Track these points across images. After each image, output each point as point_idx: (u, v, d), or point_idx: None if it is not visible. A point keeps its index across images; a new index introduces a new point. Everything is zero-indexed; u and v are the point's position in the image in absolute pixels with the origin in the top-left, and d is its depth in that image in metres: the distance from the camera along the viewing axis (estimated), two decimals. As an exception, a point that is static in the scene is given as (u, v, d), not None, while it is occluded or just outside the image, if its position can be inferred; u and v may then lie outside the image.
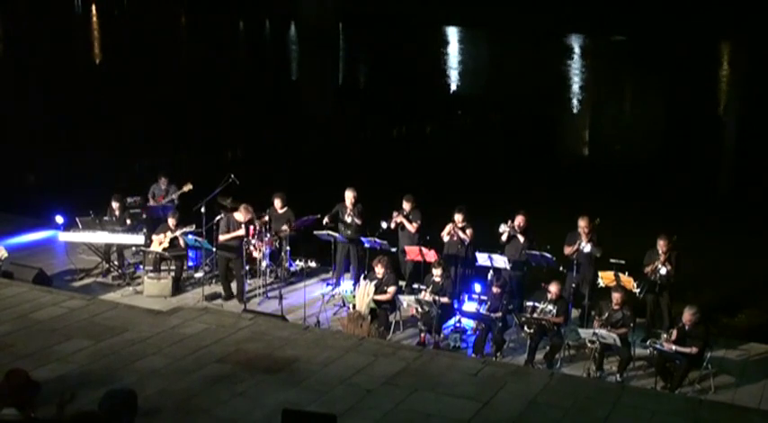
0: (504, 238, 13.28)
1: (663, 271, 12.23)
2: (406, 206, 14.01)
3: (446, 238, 13.62)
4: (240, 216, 13.71)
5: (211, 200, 14.72)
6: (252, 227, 14.35)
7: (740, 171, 26.04)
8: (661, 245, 12.35)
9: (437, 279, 12.58)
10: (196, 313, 12.44)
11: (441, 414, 9.36)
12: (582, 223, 12.86)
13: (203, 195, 14.76)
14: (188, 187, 15.63)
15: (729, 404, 10.42)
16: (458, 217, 13.49)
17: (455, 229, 13.43)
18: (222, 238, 13.78)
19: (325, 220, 14.25)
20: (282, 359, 10.70)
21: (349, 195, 14.28)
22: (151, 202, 15.80)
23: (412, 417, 9.34)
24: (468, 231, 13.47)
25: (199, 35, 62.85)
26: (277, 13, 66.23)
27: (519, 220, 13.22)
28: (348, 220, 14.22)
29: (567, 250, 12.98)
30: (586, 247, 12.69)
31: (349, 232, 14.23)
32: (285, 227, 14.29)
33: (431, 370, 10.51)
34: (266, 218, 14.47)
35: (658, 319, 12.47)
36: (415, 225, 13.87)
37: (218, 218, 14.05)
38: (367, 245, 14.04)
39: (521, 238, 13.13)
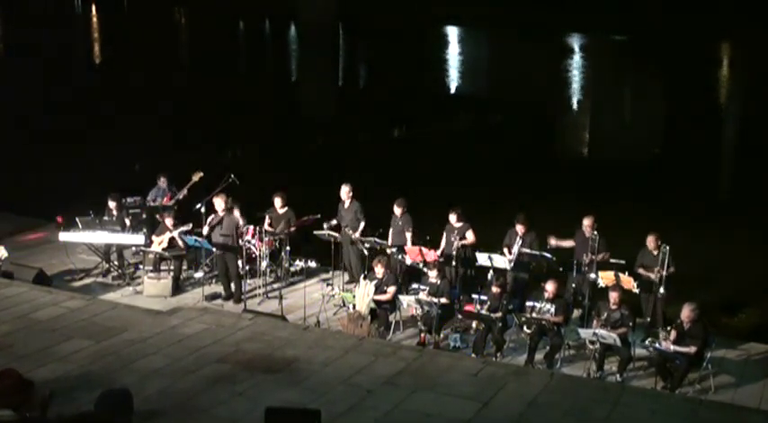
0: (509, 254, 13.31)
1: (672, 270, 12.26)
2: (398, 211, 13.97)
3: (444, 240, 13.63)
4: (219, 203, 13.73)
5: (211, 200, 14.70)
6: (252, 227, 14.38)
7: (740, 170, 26.03)
8: (650, 241, 12.37)
9: (433, 280, 12.58)
10: (196, 313, 12.45)
11: (441, 414, 9.37)
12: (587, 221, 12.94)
13: (203, 195, 14.75)
14: (198, 176, 15.58)
15: (729, 404, 10.42)
16: (452, 217, 13.49)
17: (456, 240, 13.39)
18: (205, 230, 13.83)
19: (332, 223, 14.25)
20: (282, 359, 10.70)
21: (344, 190, 14.27)
22: (154, 205, 15.75)
23: (412, 417, 9.34)
24: (470, 234, 13.45)
25: (199, 35, 62.87)
26: (277, 13, 66.23)
27: (519, 229, 13.23)
28: (347, 217, 14.19)
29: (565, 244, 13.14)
30: (591, 275, 12.71)
31: (350, 231, 14.21)
32: (283, 228, 14.31)
33: (431, 370, 10.51)
34: (267, 219, 14.49)
35: (655, 317, 12.47)
36: (410, 234, 13.85)
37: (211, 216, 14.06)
38: (367, 245, 14.04)
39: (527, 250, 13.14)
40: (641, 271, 12.46)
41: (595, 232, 12.83)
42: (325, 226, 14.25)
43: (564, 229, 13.38)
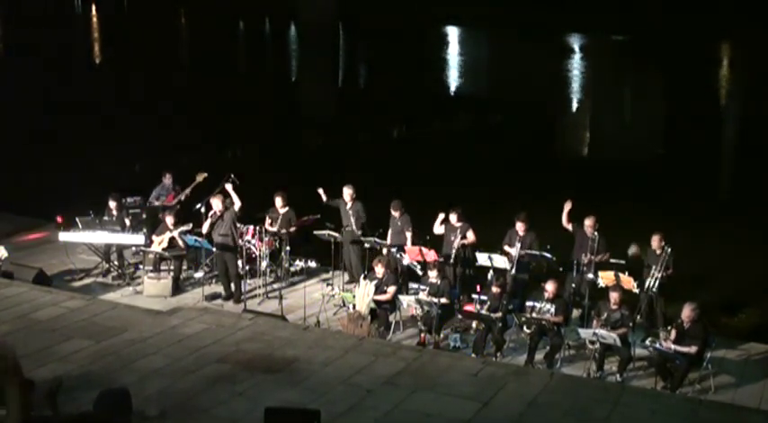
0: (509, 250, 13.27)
1: (669, 272, 12.26)
2: (395, 213, 13.97)
3: (439, 230, 13.60)
4: (216, 203, 13.75)
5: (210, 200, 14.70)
6: (252, 227, 14.38)
7: (740, 170, 26.03)
8: (654, 240, 12.38)
9: (433, 281, 12.57)
10: (196, 313, 12.46)
11: (441, 414, 9.37)
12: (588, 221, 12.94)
13: (203, 195, 14.75)
14: (202, 176, 15.61)
15: (729, 404, 10.42)
16: (452, 217, 13.47)
17: (458, 240, 13.37)
18: (205, 228, 13.84)
19: (323, 196, 14.27)
20: (282, 359, 10.71)
21: (347, 192, 14.28)
22: (156, 203, 15.75)
23: (412, 417, 9.35)
24: (470, 234, 13.44)
25: (199, 35, 62.89)
26: (277, 13, 66.25)
27: (520, 226, 13.20)
28: (352, 219, 14.20)
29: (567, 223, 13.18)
30: (590, 276, 12.69)
31: (349, 229, 14.21)
32: (284, 229, 14.34)
33: (431, 370, 10.52)
34: (268, 219, 14.49)
35: (651, 317, 12.47)
36: (409, 234, 13.86)
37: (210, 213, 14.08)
38: (366, 245, 14.04)
39: (526, 251, 13.10)
40: (634, 250, 12.41)
41: (596, 233, 12.83)
42: (320, 191, 14.25)
43: (564, 228, 13.36)
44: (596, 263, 12.75)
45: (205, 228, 13.88)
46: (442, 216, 13.58)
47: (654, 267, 12.28)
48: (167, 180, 15.86)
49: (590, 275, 12.65)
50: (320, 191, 14.38)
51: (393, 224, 14.06)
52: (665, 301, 12.43)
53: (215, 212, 13.77)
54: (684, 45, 49.48)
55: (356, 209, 14.28)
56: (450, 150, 26.46)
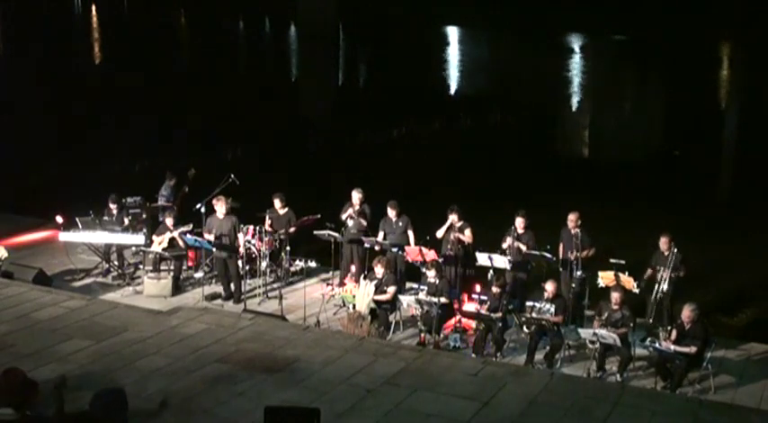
0: (505, 246, 13.24)
1: (682, 274, 12.26)
2: (392, 213, 13.95)
3: (441, 234, 13.60)
4: (220, 207, 13.76)
5: (211, 200, 14.70)
6: (252, 227, 14.38)
7: (740, 170, 26.04)
8: (663, 242, 12.36)
9: (431, 280, 12.56)
10: (196, 313, 12.46)
11: (441, 414, 9.37)
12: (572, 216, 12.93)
13: (203, 195, 14.75)
14: (191, 172, 15.80)
15: (729, 404, 10.42)
16: (452, 217, 13.46)
17: (454, 233, 13.37)
18: (207, 235, 13.86)
19: (345, 216, 14.21)
20: (282, 359, 10.71)
21: (356, 196, 14.26)
22: (164, 203, 15.79)
23: (412, 417, 9.35)
24: (467, 232, 13.44)
25: (198, 35, 62.90)
26: (277, 12, 66.24)
27: (519, 222, 13.19)
28: (350, 222, 14.19)
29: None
30: (578, 273, 12.68)
31: (353, 232, 14.21)
32: (284, 229, 14.34)
33: (431, 370, 10.52)
34: (268, 219, 14.48)
35: (659, 317, 12.46)
36: (411, 232, 13.86)
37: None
38: (367, 245, 14.04)
39: (523, 247, 13.08)
40: (648, 271, 12.41)
41: (578, 229, 12.79)
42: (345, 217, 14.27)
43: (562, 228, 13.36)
44: (583, 259, 12.71)
45: (208, 238, 13.88)
46: (448, 223, 13.56)
47: (662, 269, 12.25)
48: (171, 182, 15.90)
49: (578, 273, 12.62)
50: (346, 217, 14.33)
51: (388, 224, 14.03)
52: (671, 300, 12.41)
53: (214, 215, 13.79)
54: (684, 45, 49.47)
55: (363, 211, 14.27)
56: (450, 150, 26.46)
